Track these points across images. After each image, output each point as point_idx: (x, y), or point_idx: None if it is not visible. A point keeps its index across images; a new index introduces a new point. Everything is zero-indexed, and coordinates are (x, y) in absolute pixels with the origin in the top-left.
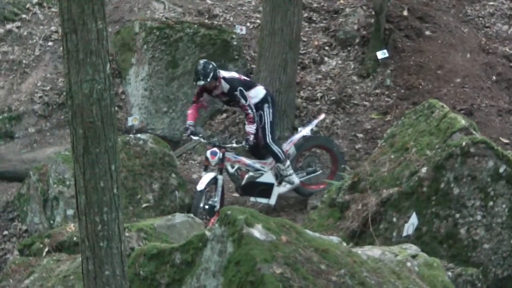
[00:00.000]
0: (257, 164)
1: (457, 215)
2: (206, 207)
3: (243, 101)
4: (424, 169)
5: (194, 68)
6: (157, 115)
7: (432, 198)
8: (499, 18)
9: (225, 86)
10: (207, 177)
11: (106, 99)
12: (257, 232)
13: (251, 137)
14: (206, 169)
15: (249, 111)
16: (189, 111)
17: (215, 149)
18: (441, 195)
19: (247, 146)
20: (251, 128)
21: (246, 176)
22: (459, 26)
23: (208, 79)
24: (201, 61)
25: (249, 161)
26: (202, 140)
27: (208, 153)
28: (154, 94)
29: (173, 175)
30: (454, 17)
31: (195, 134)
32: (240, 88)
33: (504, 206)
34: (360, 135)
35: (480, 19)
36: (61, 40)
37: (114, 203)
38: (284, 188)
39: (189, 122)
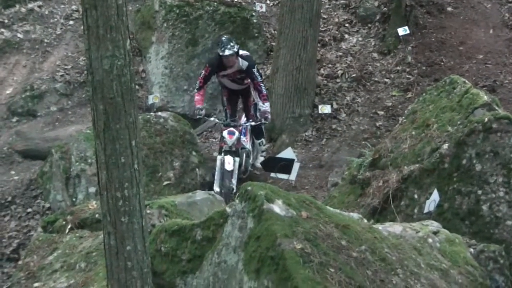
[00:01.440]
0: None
1: (479, 192)
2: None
3: (259, 77)
4: (445, 145)
5: (218, 40)
6: (177, 93)
7: (454, 174)
8: None
9: (243, 63)
10: (230, 158)
11: (126, 75)
12: (278, 207)
13: (269, 115)
14: (221, 150)
15: (263, 88)
16: (197, 97)
17: (232, 128)
18: (463, 172)
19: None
20: (267, 106)
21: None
22: (481, 1)
23: (235, 49)
24: (225, 36)
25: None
26: (217, 120)
27: (225, 133)
28: (174, 72)
29: (194, 153)
30: None
31: (208, 115)
32: (256, 65)
33: None
34: (381, 113)
35: None
36: (82, 17)
37: (135, 179)
38: (260, 160)
39: (199, 106)
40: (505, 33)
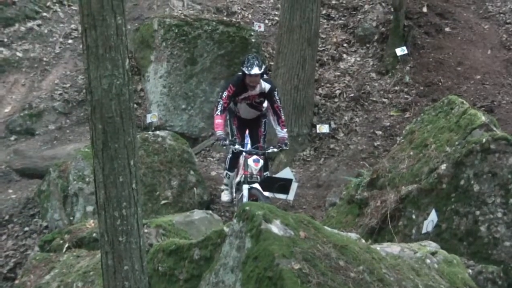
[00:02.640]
0: None
1: (477, 212)
2: None
3: (279, 101)
4: (443, 166)
5: (244, 59)
6: (175, 112)
7: (452, 195)
8: None
9: (266, 85)
10: (246, 188)
11: (125, 94)
12: (276, 227)
13: (288, 141)
14: (246, 179)
15: (282, 114)
16: (219, 120)
17: (257, 156)
18: (461, 192)
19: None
20: (286, 133)
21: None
22: (479, 22)
23: (263, 68)
24: (250, 54)
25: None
26: (241, 149)
27: (251, 161)
28: (173, 91)
29: (192, 172)
30: (474, 14)
31: (233, 143)
32: (277, 88)
33: None
34: (379, 132)
35: (501, 15)
36: (81, 36)
37: (133, 198)
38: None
39: (221, 133)
40: (502, 54)
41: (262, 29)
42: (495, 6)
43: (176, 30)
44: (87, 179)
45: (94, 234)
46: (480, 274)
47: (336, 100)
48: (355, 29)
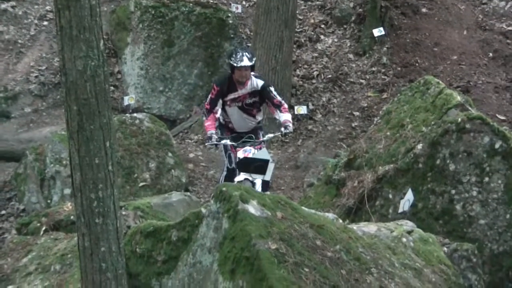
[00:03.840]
0: None
1: (453, 191)
2: None
3: (278, 97)
4: (419, 146)
5: (230, 51)
6: (153, 94)
7: (428, 174)
8: None
9: (257, 82)
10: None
11: (100, 75)
12: (252, 208)
13: (291, 124)
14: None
15: (284, 103)
16: (207, 123)
17: (248, 147)
18: (437, 172)
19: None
20: (290, 116)
21: None
22: (455, 3)
23: (254, 61)
24: (236, 47)
25: None
26: (231, 143)
27: (241, 153)
28: (150, 73)
29: (170, 154)
30: None
31: (222, 138)
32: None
33: (499, 181)
34: (357, 113)
35: None
36: (55, 17)
37: (109, 180)
38: None
39: (211, 131)
40: (478, 34)
41: (239, 10)
42: None
43: (153, 12)
44: (64, 162)
45: (71, 217)
46: (455, 252)
47: (313, 81)
48: (332, 10)
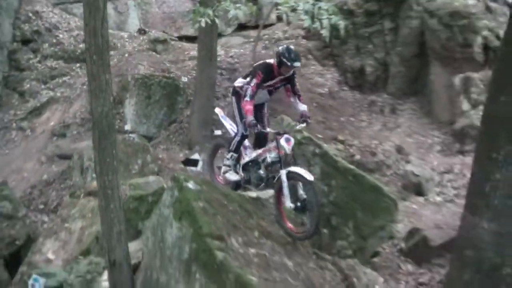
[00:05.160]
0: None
1: None
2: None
3: (297, 84)
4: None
5: (284, 49)
6: (140, 124)
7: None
8: None
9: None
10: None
11: (109, 115)
12: (191, 185)
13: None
14: (282, 161)
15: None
16: (249, 107)
17: (287, 135)
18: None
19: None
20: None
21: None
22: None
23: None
24: (289, 46)
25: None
26: (271, 130)
27: (283, 141)
28: (139, 113)
29: (149, 155)
30: None
31: (264, 127)
32: None
33: (318, 169)
34: None
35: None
36: (88, 85)
37: (115, 170)
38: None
39: (251, 117)
40: (314, 94)
41: (186, 80)
42: (306, 68)
43: (141, 81)
44: (93, 160)
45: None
46: None
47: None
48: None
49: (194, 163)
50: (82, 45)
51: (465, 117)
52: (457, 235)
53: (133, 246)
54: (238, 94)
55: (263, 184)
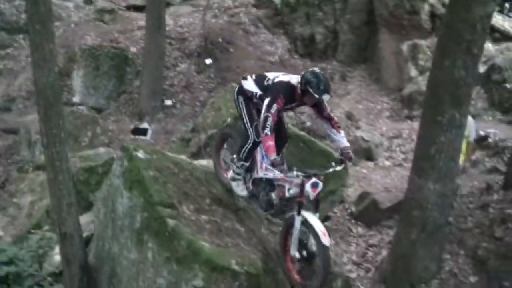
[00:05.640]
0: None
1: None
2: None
3: (328, 108)
4: (229, 119)
5: (313, 78)
6: (88, 95)
7: None
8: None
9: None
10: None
11: (55, 85)
12: (140, 154)
13: (351, 152)
14: (300, 205)
15: (332, 115)
16: (271, 143)
17: (316, 180)
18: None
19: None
20: (344, 138)
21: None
22: (246, 46)
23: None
24: (318, 71)
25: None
26: (298, 173)
27: (309, 186)
28: (87, 84)
29: (98, 127)
30: (242, 40)
31: (290, 169)
32: None
33: None
34: (198, 104)
35: (259, 42)
36: (31, 56)
37: (62, 141)
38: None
39: (274, 155)
40: (259, 62)
41: (135, 50)
42: (256, 36)
43: (88, 52)
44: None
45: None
46: None
47: (175, 87)
48: (184, 49)
49: (143, 132)
50: (24, 16)
51: (413, 83)
52: (404, 197)
53: (85, 218)
54: (246, 95)
55: (272, 211)
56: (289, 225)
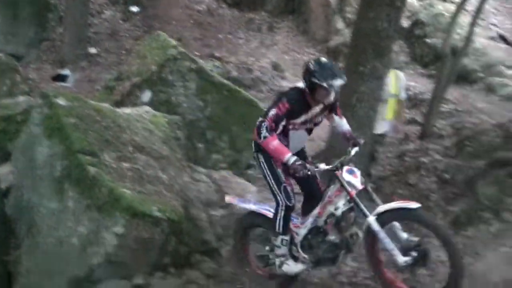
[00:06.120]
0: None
1: (171, 90)
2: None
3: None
4: (153, 67)
5: (317, 66)
6: (6, 42)
7: (158, 82)
8: None
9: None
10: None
11: None
12: (61, 101)
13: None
14: (351, 201)
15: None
16: (275, 143)
17: (347, 167)
18: (162, 79)
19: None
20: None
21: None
22: None
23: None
24: (322, 59)
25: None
26: (327, 167)
27: (346, 175)
28: (4, 31)
29: (18, 75)
30: None
31: (316, 165)
32: None
33: (193, 84)
34: (124, 52)
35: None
36: None
37: None
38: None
39: (289, 156)
40: (187, 11)
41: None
42: None
43: None
44: None
45: None
46: (171, 121)
47: (100, 35)
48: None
49: (63, 78)
50: None
51: (340, 35)
52: (325, 146)
53: (4, 169)
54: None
55: (342, 252)
56: (370, 240)
